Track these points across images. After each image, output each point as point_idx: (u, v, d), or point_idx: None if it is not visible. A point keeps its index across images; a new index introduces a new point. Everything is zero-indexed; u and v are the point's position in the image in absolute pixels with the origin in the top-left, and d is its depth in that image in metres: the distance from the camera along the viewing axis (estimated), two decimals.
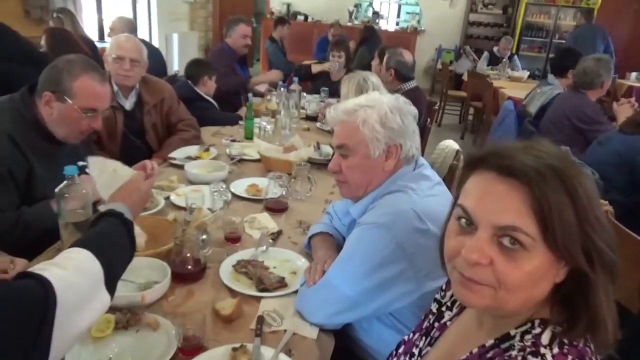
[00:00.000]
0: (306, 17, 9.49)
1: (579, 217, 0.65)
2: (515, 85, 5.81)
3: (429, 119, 3.39)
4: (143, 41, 2.86)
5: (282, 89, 3.24)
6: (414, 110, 1.36)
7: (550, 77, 4.00)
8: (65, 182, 1.28)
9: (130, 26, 3.83)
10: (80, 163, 1.75)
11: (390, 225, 1.20)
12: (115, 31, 3.71)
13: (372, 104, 1.31)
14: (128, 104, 2.50)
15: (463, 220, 0.71)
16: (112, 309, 1.13)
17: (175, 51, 7.38)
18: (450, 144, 2.71)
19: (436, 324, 0.90)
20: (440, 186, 1.36)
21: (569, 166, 0.67)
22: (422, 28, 9.46)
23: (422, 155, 1.43)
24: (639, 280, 1.63)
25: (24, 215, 1.53)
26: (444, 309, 0.91)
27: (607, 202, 2.02)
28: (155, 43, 6.74)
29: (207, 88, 3.26)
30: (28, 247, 1.42)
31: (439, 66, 8.67)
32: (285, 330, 1.20)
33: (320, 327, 1.24)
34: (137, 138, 2.54)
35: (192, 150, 2.49)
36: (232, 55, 3.90)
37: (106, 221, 1.03)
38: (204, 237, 1.47)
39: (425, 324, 0.94)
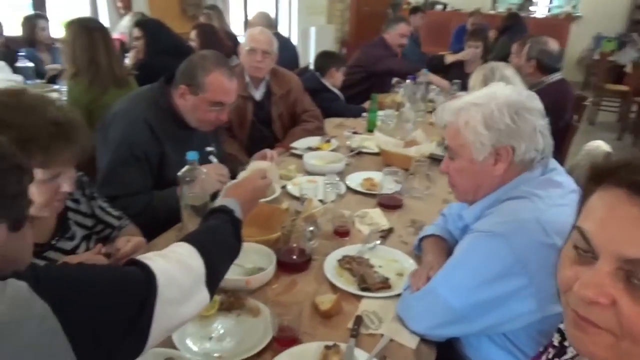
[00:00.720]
0: (444, 6, 9.08)
1: None
2: None
3: (576, 116, 3.00)
4: (277, 35, 2.97)
5: (408, 80, 3.12)
6: (537, 105, 1.17)
7: None
8: (186, 166, 1.37)
9: (267, 21, 4.03)
10: (208, 148, 1.88)
11: (508, 236, 1.06)
12: (254, 25, 3.93)
13: (480, 102, 1.16)
14: (258, 94, 2.63)
15: (580, 246, 0.58)
16: (218, 290, 1.18)
17: (312, 44, 7.61)
18: (600, 145, 2.36)
19: None
20: (575, 194, 1.16)
21: None
22: (578, 14, 8.43)
23: (566, 157, 1.24)
24: None
25: (154, 199, 1.68)
26: (566, 343, 0.77)
27: None
28: (294, 37, 7.03)
29: (333, 79, 3.29)
30: (155, 226, 1.56)
31: (597, 56, 7.66)
32: (382, 335, 1.14)
33: (421, 337, 1.15)
34: (264, 127, 2.66)
35: (314, 141, 2.53)
36: (388, 50, 3.87)
37: (216, 218, 1.05)
38: (312, 228, 1.47)
39: (544, 357, 0.80)
